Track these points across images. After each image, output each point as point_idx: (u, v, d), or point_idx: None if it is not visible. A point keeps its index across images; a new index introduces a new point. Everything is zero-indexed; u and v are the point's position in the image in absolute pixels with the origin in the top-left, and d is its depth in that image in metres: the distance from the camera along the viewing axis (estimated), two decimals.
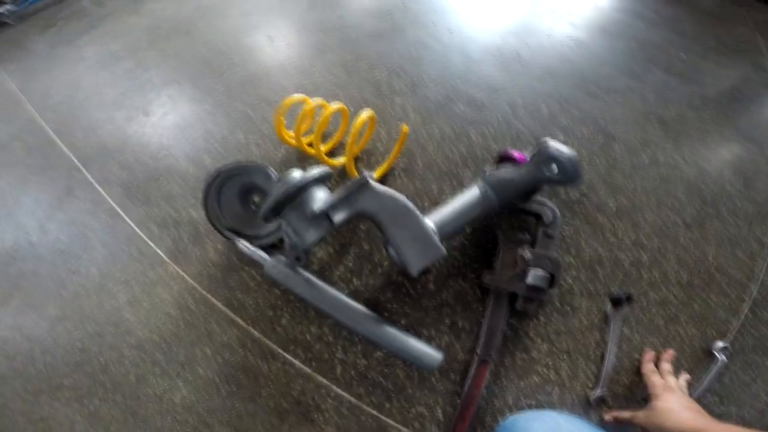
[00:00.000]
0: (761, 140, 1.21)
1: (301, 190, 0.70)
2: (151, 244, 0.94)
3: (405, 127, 0.93)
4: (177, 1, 1.68)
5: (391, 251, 0.73)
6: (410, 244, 0.69)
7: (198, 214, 0.95)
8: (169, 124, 1.14)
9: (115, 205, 1.00)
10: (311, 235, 0.71)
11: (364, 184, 0.69)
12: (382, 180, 0.96)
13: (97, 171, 1.07)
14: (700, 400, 0.80)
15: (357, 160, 0.99)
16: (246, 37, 1.40)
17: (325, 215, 0.69)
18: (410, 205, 0.70)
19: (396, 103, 1.09)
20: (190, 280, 0.90)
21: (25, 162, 1.13)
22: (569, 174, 0.74)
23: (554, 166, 0.74)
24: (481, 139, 1.03)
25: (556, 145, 0.75)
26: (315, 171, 0.71)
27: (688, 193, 1.03)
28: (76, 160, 1.10)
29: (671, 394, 0.74)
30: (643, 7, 1.65)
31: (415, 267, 0.69)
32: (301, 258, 0.75)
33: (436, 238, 0.70)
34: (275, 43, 1.34)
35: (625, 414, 0.77)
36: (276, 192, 0.69)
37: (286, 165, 1.00)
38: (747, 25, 1.69)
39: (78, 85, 1.32)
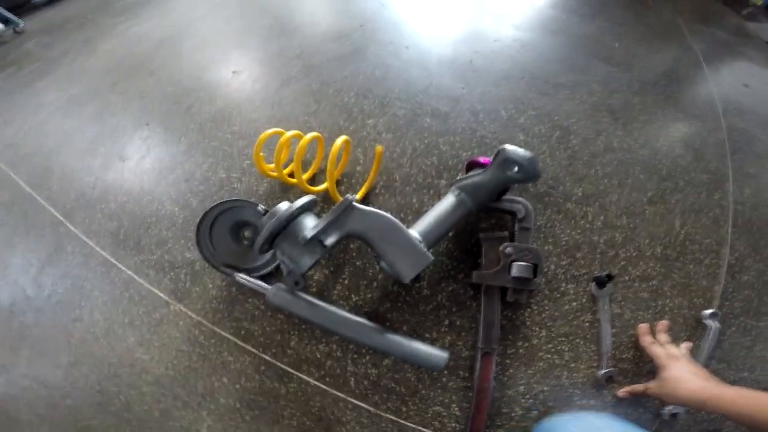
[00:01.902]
0: (700, 114, 1.32)
1: (291, 220, 0.75)
2: (152, 288, 0.96)
3: (380, 148, 0.98)
4: (129, 39, 1.69)
5: (383, 265, 0.79)
6: (400, 256, 0.74)
7: (192, 255, 0.98)
8: (147, 167, 1.15)
9: (108, 257, 1.01)
10: (306, 261, 0.75)
11: (349, 207, 0.74)
12: (365, 200, 1.01)
13: (83, 223, 1.08)
14: (709, 370, 0.84)
15: (338, 183, 1.04)
16: (208, 72, 1.42)
17: (317, 240, 0.74)
18: (394, 220, 0.75)
19: (368, 125, 1.14)
20: (196, 316, 0.92)
21: (5, 222, 1.13)
22: (529, 172, 0.80)
23: (515, 167, 0.80)
24: (449, 149, 1.09)
25: (513, 149, 0.81)
26: (301, 200, 0.76)
27: (646, 171, 1.11)
28: (58, 215, 1.10)
29: (677, 362, 0.76)
30: (575, 1, 1.78)
31: (407, 276, 0.74)
32: (300, 282, 0.78)
33: (423, 247, 0.75)
34: (239, 76, 1.37)
35: (639, 387, 0.81)
36: (268, 225, 0.73)
37: (270, 196, 1.04)
38: (668, 9, 1.85)
39: (45, 133, 1.32)
